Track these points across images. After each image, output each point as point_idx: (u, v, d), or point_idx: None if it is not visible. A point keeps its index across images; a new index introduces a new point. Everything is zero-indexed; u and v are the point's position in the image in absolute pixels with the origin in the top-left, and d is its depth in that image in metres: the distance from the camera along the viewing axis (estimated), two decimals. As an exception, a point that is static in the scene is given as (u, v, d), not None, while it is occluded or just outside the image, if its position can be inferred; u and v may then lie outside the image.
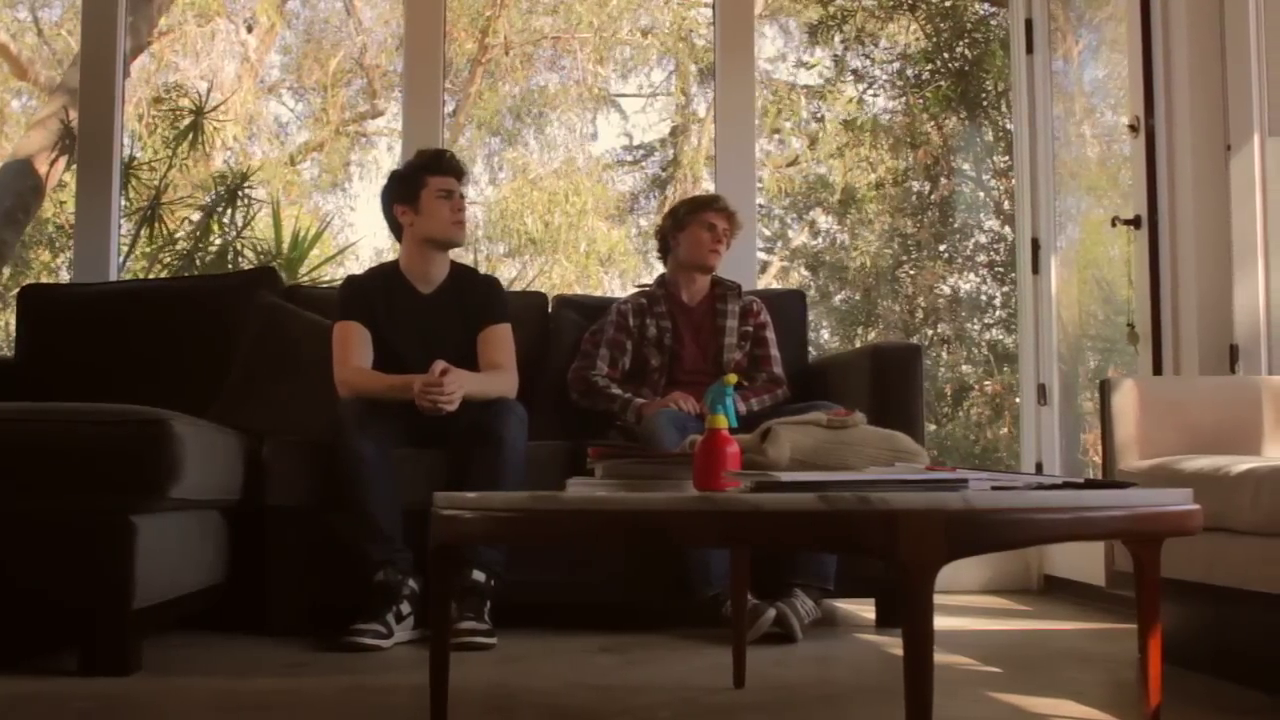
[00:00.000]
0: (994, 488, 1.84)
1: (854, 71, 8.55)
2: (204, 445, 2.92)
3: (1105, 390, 3.03)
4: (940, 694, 2.56)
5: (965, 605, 4.08)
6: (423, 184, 3.51)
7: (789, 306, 4.13)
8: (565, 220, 10.59)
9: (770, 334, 3.85)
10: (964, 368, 8.22)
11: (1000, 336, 7.66)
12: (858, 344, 8.10)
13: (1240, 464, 2.51)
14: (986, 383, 7.95)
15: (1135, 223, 3.76)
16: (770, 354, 3.83)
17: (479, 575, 3.21)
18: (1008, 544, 1.71)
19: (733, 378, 2.14)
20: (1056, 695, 2.46)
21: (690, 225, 3.82)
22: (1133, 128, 3.75)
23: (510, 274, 10.70)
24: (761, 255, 10.04)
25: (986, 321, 8.20)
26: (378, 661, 2.93)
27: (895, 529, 1.56)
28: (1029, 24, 4.66)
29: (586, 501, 1.75)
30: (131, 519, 2.65)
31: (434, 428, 3.32)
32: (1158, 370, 3.66)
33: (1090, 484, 2.14)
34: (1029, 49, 4.66)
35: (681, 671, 2.78)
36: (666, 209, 4.12)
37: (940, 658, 2.99)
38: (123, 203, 5.64)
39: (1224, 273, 3.56)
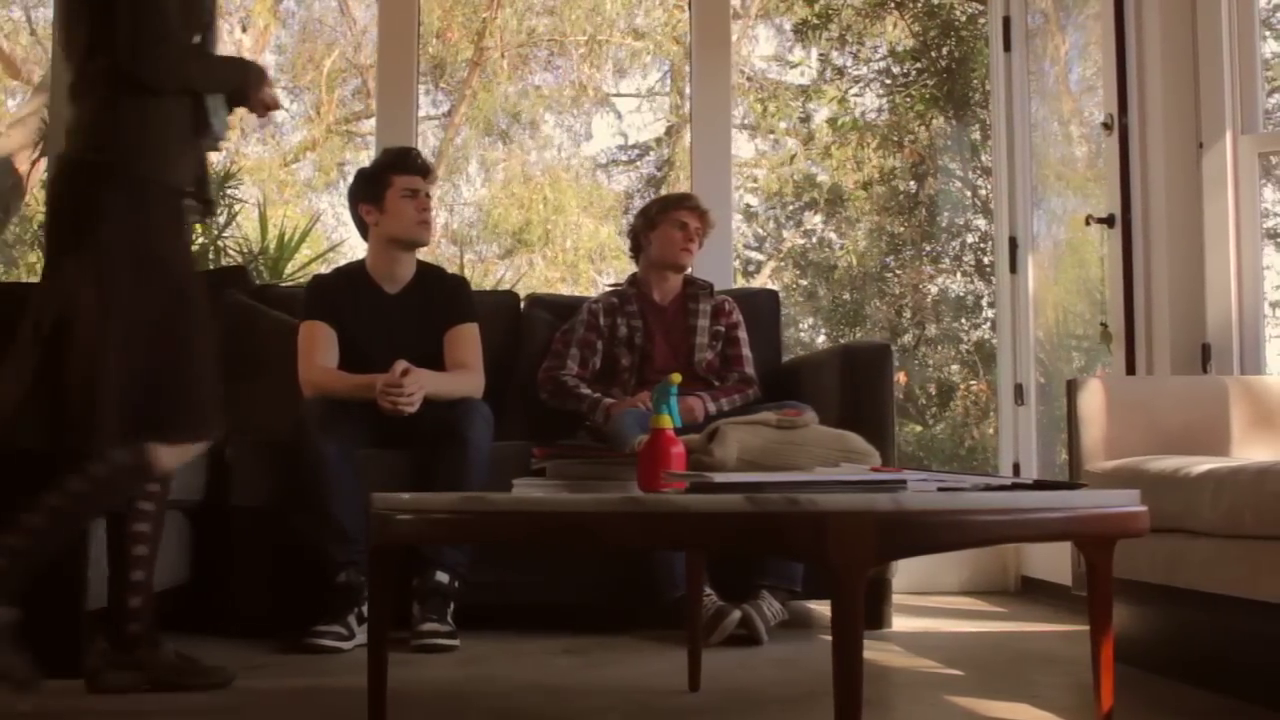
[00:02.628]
0: (940, 488, 1.82)
1: (837, 69, 8.53)
2: (161, 445, 2.89)
3: (1072, 390, 3.00)
4: (896, 696, 2.56)
5: (940, 606, 4.05)
6: (388, 183, 3.48)
7: (762, 306, 4.10)
8: (557, 220, 10.57)
9: (742, 334, 3.82)
10: (952, 368, 8.19)
11: (988, 336, 7.62)
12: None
13: (1201, 465, 2.48)
14: (972, 383, 7.92)
15: (1109, 221, 3.73)
16: (742, 354, 3.80)
17: (442, 577, 3.19)
18: (941, 546, 1.69)
19: (676, 377, 2.12)
20: (1014, 699, 2.43)
21: (662, 224, 3.79)
22: (1107, 125, 3.73)
23: (501, 273, 10.68)
24: (757, 255, 10.02)
25: (975, 321, 8.18)
26: (337, 664, 2.91)
27: (824, 530, 1.54)
28: (1007, 21, 4.63)
29: (515, 503, 1.72)
30: (83, 520, 2.63)
31: (399, 428, 3.30)
32: (1131, 370, 3.63)
33: (1040, 485, 2.12)
34: (1006, 46, 4.63)
35: (639, 674, 2.75)
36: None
37: (904, 660, 2.99)
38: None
39: (1196, 271, 3.53)
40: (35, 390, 2.37)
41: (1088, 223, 3.86)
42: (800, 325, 9.14)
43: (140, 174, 2.45)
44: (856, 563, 1.54)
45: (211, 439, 2.53)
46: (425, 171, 3.53)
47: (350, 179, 3.65)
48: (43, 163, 7.51)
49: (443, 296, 3.56)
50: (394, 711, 2.21)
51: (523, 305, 4.10)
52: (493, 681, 2.67)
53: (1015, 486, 1.97)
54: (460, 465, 3.23)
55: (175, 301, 2.44)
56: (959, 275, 8.35)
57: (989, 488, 1.87)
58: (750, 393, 3.72)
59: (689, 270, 3.87)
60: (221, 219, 5.87)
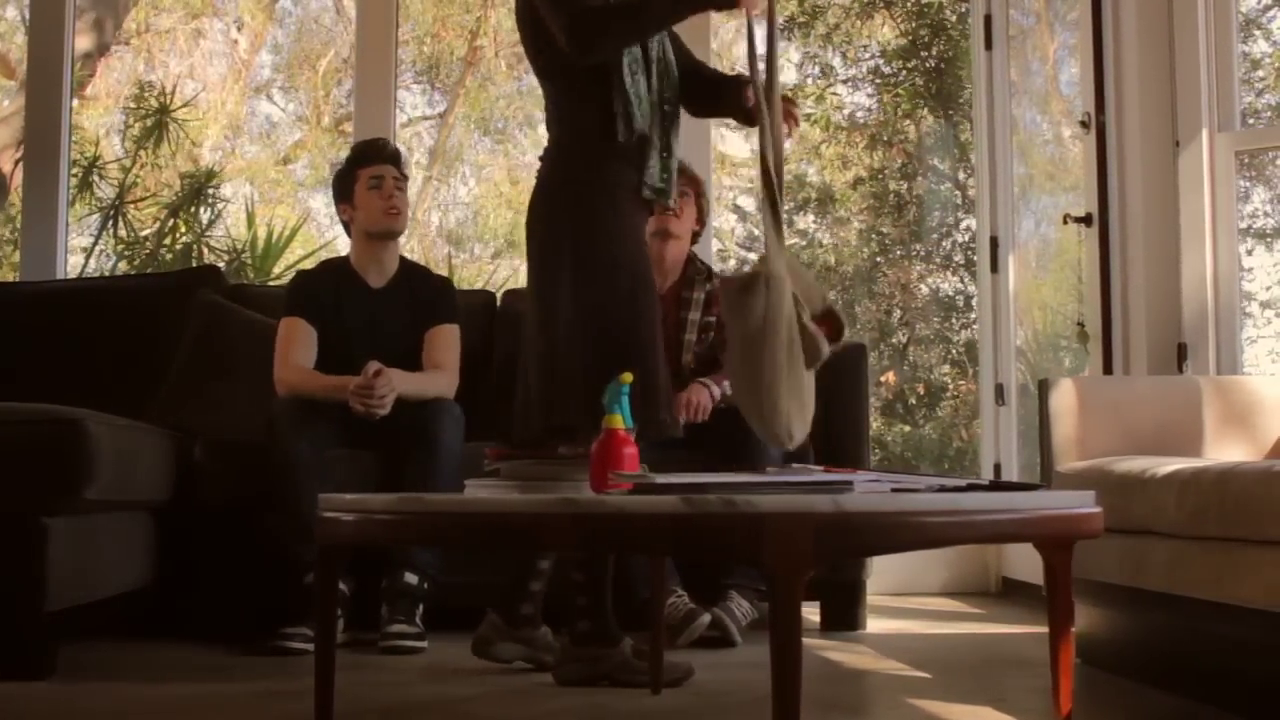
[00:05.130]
0: (893, 489, 1.80)
1: (822, 68, 8.50)
2: (125, 445, 2.87)
3: (1044, 390, 2.97)
4: (857, 699, 2.54)
5: (918, 608, 4.03)
6: (355, 178, 3.47)
7: (740, 305, 4.06)
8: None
9: None
10: (943, 368, 8.16)
11: (978, 336, 7.56)
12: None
13: (1167, 465, 2.46)
14: (961, 383, 7.89)
15: (1086, 220, 3.70)
16: None
17: (411, 578, 3.17)
18: (883, 548, 1.67)
19: (628, 376, 2.09)
20: (977, 701, 2.41)
21: None
22: (1084, 124, 3.70)
23: (495, 273, 10.64)
24: (751, 256, 9.98)
25: (964, 321, 8.14)
26: (302, 665, 2.87)
27: (760, 533, 1.52)
28: (988, 20, 4.60)
29: (451, 504, 1.70)
30: (43, 520, 2.61)
31: (370, 428, 3.27)
32: (1109, 369, 3.61)
33: (996, 486, 2.10)
34: (988, 44, 4.60)
35: (604, 677, 2.73)
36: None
37: (873, 662, 2.96)
38: (70, 199, 5.61)
39: (1172, 270, 3.51)
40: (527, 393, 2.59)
41: (1065, 221, 3.84)
42: (793, 325, 9.09)
43: (584, 180, 2.57)
44: (793, 566, 1.52)
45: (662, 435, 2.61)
46: (390, 159, 3.51)
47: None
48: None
49: (427, 295, 3.54)
50: (351, 713, 2.20)
51: (500, 301, 4.07)
52: (456, 683, 2.65)
53: (971, 488, 1.94)
54: (429, 466, 3.20)
55: (631, 302, 2.55)
56: (949, 274, 8.32)
57: (943, 489, 1.85)
58: None
59: (690, 248, 3.57)
60: (205, 218, 5.87)
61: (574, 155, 2.62)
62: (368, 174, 3.46)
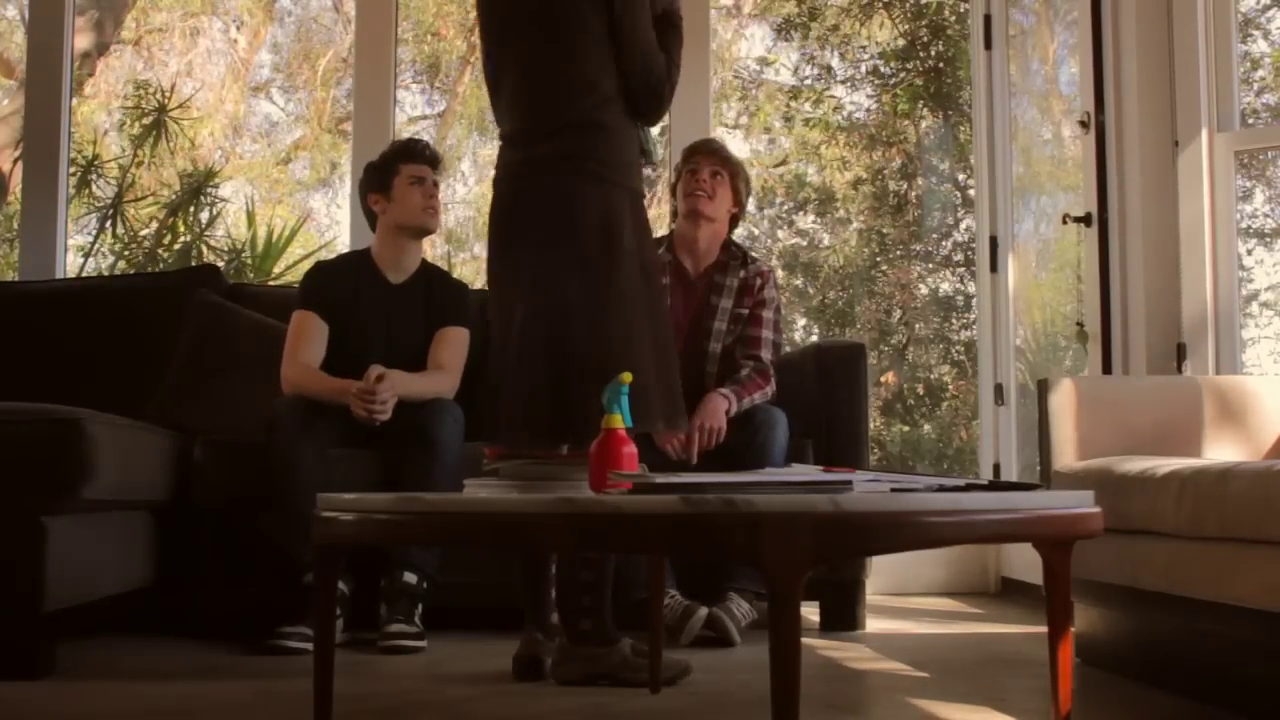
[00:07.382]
0: (892, 489, 1.80)
1: (825, 68, 8.51)
2: (124, 445, 2.87)
3: (1043, 390, 2.98)
4: (856, 699, 2.54)
5: (917, 608, 4.03)
6: (395, 172, 3.48)
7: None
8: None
9: (766, 313, 3.47)
10: (943, 368, 8.17)
11: (977, 336, 7.56)
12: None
13: (1167, 465, 2.46)
14: (961, 383, 7.90)
15: (1086, 220, 3.70)
16: (760, 335, 3.44)
17: (410, 578, 3.17)
18: (882, 548, 1.66)
19: (628, 376, 2.09)
20: (977, 702, 2.41)
21: (682, 174, 3.54)
22: (1083, 124, 3.70)
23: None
24: (751, 255, 9.97)
25: (964, 321, 8.15)
26: (300, 665, 2.87)
27: (758, 532, 1.51)
28: (988, 19, 4.61)
29: (449, 504, 1.70)
30: (42, 520, 2.61)
31: (371, 428, 3.28)
32: (1108, 369, 3.61)
33: (995, 486, 2.10)
34: (988, 44, 4.61)
35: (603, 676, 2.72)
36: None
37: (872, 662, 2.97)
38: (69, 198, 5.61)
39: (1171, 270, 3.52)
40: (539, 395, 2.57)
41: (1065, 221, 3.84)
42: (793, 326, 9.11)
43: (632, 186, 2.66)
44: (792, 565, 1.51)
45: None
46: (432, 160, 3.52)
47: (346, 178, 3.65)
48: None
49: (443, 296, 3.55)
50: (350, 713, 2.20)
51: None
52: (455, 683, 2.65)
53: (969, 487, 1.94)
54: (429, 466, 3.20)
55: (659, 301, 2.68)
56: (949, 274, 8.33)
57: (942, 489, 1.85)
58: (768, 389, 3.44)
59: (713, 222, 3.48)
60: (204, 218, 5.87)
61: (613, 156, 2.65)
62: (410, 170, 3.47)
